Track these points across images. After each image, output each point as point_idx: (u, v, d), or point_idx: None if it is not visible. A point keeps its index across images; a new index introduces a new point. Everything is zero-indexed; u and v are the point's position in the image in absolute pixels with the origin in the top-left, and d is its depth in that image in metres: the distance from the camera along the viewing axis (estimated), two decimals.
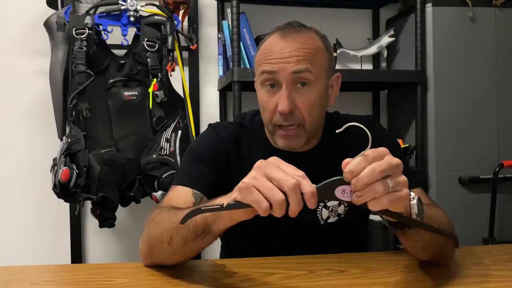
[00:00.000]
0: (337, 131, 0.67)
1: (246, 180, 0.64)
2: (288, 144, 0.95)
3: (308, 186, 0.61)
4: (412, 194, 0.68)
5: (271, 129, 0.97)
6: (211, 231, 0.72)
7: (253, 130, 1.06)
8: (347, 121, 1.06)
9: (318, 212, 1.00)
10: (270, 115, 0.95)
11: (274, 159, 0.66)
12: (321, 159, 1.02)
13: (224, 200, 0.68)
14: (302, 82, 0.93)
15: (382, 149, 0.65)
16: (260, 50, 0.97)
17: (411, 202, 0.68)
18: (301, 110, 0.93)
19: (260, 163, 0.65)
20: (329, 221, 1.02)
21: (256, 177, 0.63)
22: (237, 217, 0.69)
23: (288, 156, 1.02)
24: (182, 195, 0.95)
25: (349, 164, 0.62)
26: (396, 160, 0.63)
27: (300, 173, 0.63)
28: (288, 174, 0.62)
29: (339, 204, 1.01)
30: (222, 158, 1.02)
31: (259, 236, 1.01)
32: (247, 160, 1.03)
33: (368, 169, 0.61)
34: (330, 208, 1.01)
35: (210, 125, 1.09)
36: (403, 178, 0.64)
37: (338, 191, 0.63)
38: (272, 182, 0.62)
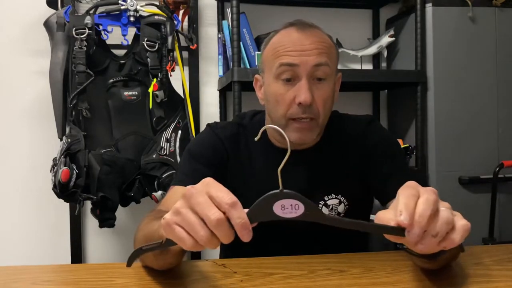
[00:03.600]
0: (255, 138, 0.62)
1: (168, 216, 0.58)
2: (301, 138, 0.95)
3: (238, 218, 0.54)
4: None
5: (283, 123, 0.95)
6: (169, 251, 0.68)
7: (252, 130, 1.06)
8: (346, 120, 1.07)
9: None
10: (285, 108, 0.94)
11: (204, 184, 0.58)
12: (321, 156, 1.02)
13: None
14: (318, 77, 0.93)
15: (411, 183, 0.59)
16: (274, 44, 0.96)
17: None
18: (317, 103, 0.93)
19: (187, 191, 0.58)
20: None
21: (179, 211, 0.57)
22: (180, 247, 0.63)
23: (289, 154, 1.03)
24: (179, 195, 0.94)
25: (400, 206, 0.55)
26: (430, 189, 0.58)
27: (230, 200, 0.55)
28: (213, 206, 0.55)
29: (339, 203, 1.01)
30: (220, 158, 1.02)
31: (258, 235, 1.01)
32: (246, 159, 1.03)
33: (423, 203, 0.55)
34: (330, 207, 1.01)
35: (208, 125, 1.09)
36: (446, 203, 0.58)
37: (277, 207, 0.55)
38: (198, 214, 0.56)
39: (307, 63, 0.91)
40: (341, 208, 1.01)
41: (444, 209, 0.57)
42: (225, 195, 0.55)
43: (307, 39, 0.92)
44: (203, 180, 0.59)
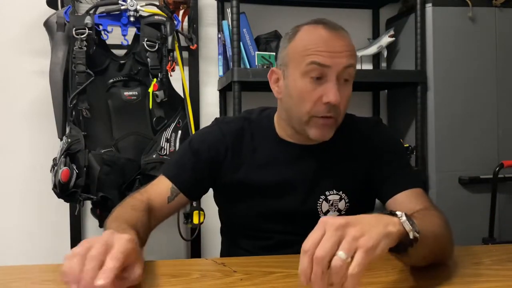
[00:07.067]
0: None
1: (70, 253, 0.63)
2: (322, 135, 0.97)
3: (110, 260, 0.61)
4: (399, 212, 0.66)
5: (305, 119, 0.96)
6: None
7: (259, 124, 1.08)
8: (354, 120, 1.09)
9: (318, 204, 1.01)
10: (311, 105, 0.94)
11: (106, 237, 0.65)
12: (327, 153, 1.03)
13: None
14: (345, 78, 0.95)
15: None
16: (304, 40, 0.95)
17: (401, 219, 0.65)
18: (341, 104, 0.95)
19: (86, 242, 0.64)
20: (328, 214, 1.02)
21: (76, 254, 0.62)
22: None
23: (296, 148, 1.05)
24: (161, 185, 1.01)
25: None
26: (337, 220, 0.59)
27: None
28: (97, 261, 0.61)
29: (340, 199, 1.01)
30: (218, 156, 1.04)
31: (258, 224, 1.02)
32: (249, 152, 1.04)
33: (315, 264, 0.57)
34: (331, 202, 1.01)
35: (216, 119, 1.12)
36: (352, 232, 0.58)
37: None
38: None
39: (338, 65, 0.92)
40: (341, 205, 1.02)
41: (338, 256, 0.56)
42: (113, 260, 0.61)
43: (339, 41, 0.93)
44: (108, 234, 0.66)
